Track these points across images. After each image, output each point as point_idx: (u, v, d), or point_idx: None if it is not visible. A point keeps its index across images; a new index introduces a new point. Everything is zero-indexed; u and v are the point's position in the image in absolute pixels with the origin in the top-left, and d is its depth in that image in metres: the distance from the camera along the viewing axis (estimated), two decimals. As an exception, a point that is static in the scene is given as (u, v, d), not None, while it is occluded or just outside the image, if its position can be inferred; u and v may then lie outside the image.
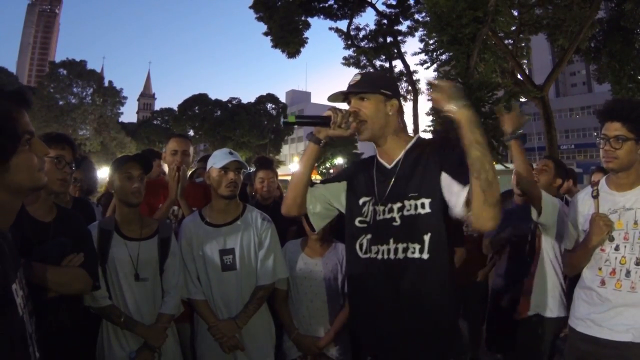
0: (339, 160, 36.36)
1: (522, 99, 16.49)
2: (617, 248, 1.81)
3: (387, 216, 1.54)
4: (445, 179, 1.45)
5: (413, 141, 1.62)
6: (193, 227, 2.27)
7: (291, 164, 41.10)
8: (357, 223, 1.62)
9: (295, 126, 1.52)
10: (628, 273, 1.77)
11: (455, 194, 1.40)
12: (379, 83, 1.58)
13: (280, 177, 3.79)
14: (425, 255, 1.47)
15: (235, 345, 2.17)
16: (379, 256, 1.54)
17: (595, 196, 1.90)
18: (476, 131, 1.31)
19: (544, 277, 2.49)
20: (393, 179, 1.56)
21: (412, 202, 1.50)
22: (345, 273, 1.77)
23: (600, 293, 1.83)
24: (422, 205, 1.49)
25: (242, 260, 2.23)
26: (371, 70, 20.64)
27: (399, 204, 1.52)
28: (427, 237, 1.47)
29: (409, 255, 1.49)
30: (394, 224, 1.52)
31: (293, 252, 2.45)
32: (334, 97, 1.62)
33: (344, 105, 1.61)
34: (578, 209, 1.99)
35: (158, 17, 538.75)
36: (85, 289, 1.77)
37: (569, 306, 2.37)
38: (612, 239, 1.82)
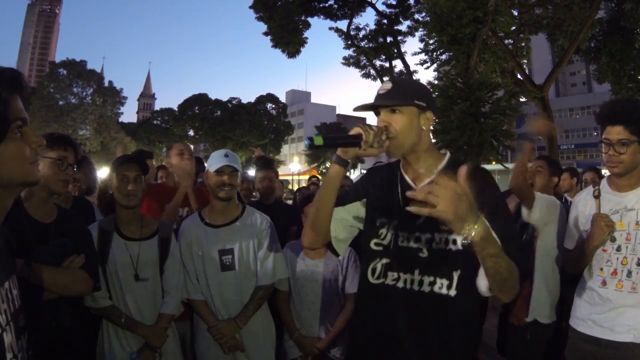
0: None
1: (522, 99, 16.49)
2: (618, 248, 1.80)
3: (413, 245, 1.41)
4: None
5: (446, 161, 1.45)
6: (192, 227, 2.27)
7: (291, 163, 41.06)
8: (372, 245, 1.47)
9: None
10: (629, 273, 1.76)
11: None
12: (413, 93, 1.39)
13: (280, 177, 3.80)
14: (452, 292, 1.36)
15: (235, 345, 2.17)
16: (400, 284, 1.41)
17: (597, 196, 1.89)
18: (490, 246, 1.16)
19: (545, 281, 2.46)
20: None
21: (444, 235, 1.37)
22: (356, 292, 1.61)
23: (601, 293, 1.82)
24: (454, 242, 1.36)
25: (241, 260, 2.23)
26: (371, 70, 20.66)
27: (428, 235, 1.39)
28: (456, 275, 1.36)
29: (436, 290, 1.37)
30: (421, 254, 1.39)
31: (294, 253, 2.45)
32: (361, 108, 1.44)
33: (366, 114, 1.44)
34: (579, 209, 1.98)
35: (158, 17, 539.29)
36: (86, 290, 1.76)
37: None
38: (613, 240, 1.81)
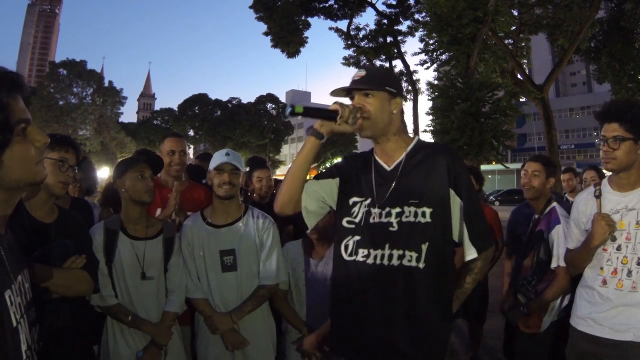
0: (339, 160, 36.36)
1: (522, 99, 16.50)
2: (619, 248, 1.81)
3: (384, 220, 1.48)
4: (456, 203, 1.48)
5: (414, 143, 1.58)
6: (194, 227, 2.27)
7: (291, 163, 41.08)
8: (344, 223, 1.56)
9: (299, 117, 1.47)
10: (629, 273, 1.77)
11: (464, 244, 1.52)
12: (384, 80, 1.52)
13: (280, 177, 3.85)
14: (421, 265, 1.43)
15: (241, 342, 2.15)
16: (370, 260, 1.47)
17: (598, 196, 1.90)
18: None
19: (561, 296, 2.43)
20: (394, 183, 1.50)
21: (412, 209, 1.45)
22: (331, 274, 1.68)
23: (602, 292, 1.83)
24: (423, 214, 1.44)
25: (243, 261, 2.23)
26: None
27: (397, 209, 1.47)
28: (424, 247, 1.43)
29: (405, 262, 1.43)
30: (391, 229, 1.46)
31: (294, 253, 2.44)
32: (337, 92, 1.56)
33: (346, 101, 1.56)
34: (580, 208, 1.99)
35: (158, 17, 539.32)
36: (87, 291, 1.77)
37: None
38: (614, 239, 1.82)
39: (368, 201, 1.53)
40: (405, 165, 1.52)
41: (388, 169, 1.55)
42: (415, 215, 1.45)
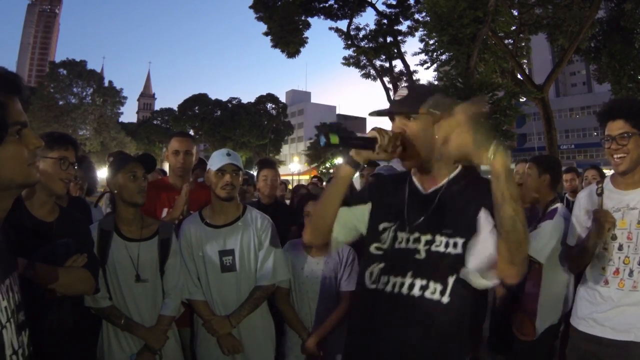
0: (340, 161, 36.40)
1: (522, 99, 16.49)
2: (620, 248, 1.80)
3: (411, 246, 1.35)
4: (484, 217, 1.30)
5: (458, 170, 1.41)
6: (193, 227, 2.26)
7: (291, 163, 41.08)
8: (372, 249, 1.43)
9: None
10: (631, 273, 1.76)
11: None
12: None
13: (284, 177, 3.84)
14: (445, 299, 1.29)
15: (235, 346, 2.15)
16: (388, 288, 1.35)
17: (600, 194, 1.90)
18: (512, 184, 1.13)
19: (550, 297, 2.40)
20: (430, 209, 1.36)
21: (444, 238, 1.32)
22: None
23: (603, 292, 1.83)
24: (455, 245, 1.31)
25: (242, 261, 2.22)
26: (371, 70, 20.65)
27: (428, 237, 1.34)
28: (451, 280, 1.29)
29: (427, 295, 1.30)
30: (417, 256, 1.33)
31: (295, 252, 2.45)
32: (376, 113, 1.43)
33: (378, 120, 1.45)
34: (582, 206, 1.99)
35: (158, 17, 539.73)
36: (89, 290, 1.76)
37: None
38: (614, 238, 1.81)
39: (396, 224, 1.40)
40: (445, 192, 1.37)
41: (424, 192, 1.41)
42: (447, 245, 1.32)
